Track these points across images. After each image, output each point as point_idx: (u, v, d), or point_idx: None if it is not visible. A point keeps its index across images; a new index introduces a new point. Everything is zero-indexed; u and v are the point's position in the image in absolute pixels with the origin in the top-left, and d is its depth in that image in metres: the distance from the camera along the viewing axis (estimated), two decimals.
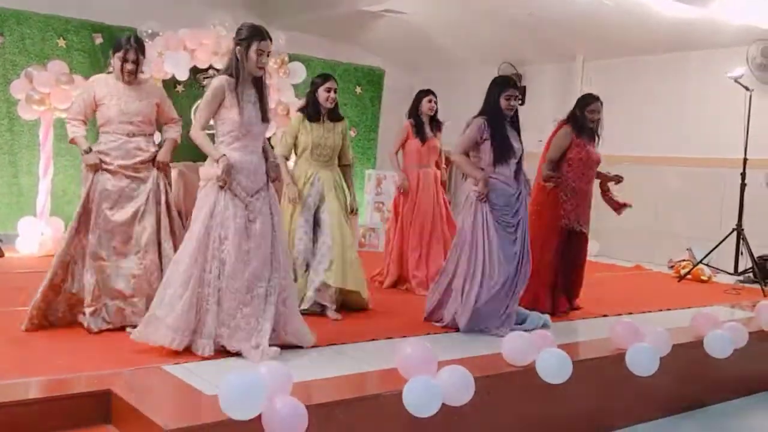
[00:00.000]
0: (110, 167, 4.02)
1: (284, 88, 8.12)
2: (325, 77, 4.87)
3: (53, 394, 2.85)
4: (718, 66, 7.47)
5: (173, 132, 4.31)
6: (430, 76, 9.24)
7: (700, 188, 7.92)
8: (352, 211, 5.00)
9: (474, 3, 7.79)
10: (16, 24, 7.04)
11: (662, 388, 4.03)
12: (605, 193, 5.51)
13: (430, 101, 5.87)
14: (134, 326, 3.71)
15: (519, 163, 4.45)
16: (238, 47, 3.59)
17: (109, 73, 4.22)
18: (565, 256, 5.13)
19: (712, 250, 6.99)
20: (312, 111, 4.81)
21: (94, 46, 7.40)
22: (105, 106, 4.06)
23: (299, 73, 8.32)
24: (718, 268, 7.20)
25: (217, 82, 3.61)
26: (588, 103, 5.15)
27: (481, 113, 4.44)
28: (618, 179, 5.49)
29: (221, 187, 3.51)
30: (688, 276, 6.95)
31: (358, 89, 9.51)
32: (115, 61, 4.09)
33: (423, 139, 5.87)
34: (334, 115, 4.92)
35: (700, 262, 7.01)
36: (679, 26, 7.40)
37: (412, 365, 3.11)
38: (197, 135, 3.62)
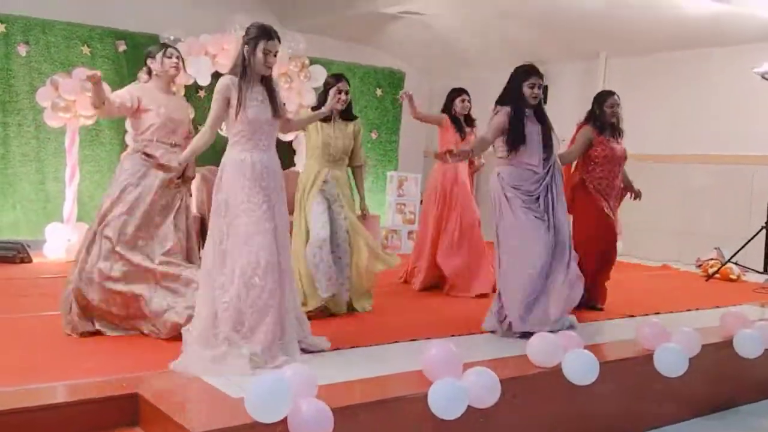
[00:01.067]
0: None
1: (305, 92, 8.16)
2: (337, 78, 4.88)
3: (81, 398, 2.87)
4: (744, 62, 7.35)
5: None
6: (450, 77, 9.22)
7: (728, 186, 7.80)
8: (364, 215, 5.03)
9: (492, 2, 7.75)
10: (41, 33, 7.15)
11: (691, 389, 3.97)
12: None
13: (463, 101, 5.84)
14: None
15: (548, 153, 4.27)
16: (246, 47, 3.57)
17: (145, 82, 4.21)
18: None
19: (740, 249, 6.88)
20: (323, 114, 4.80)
21: (118, 53, 7.50)
22: (153, 112, 4.00)
23: (320, 76, 8.34)
24: (747, 267, 7.08)
25: (223, 81, 3.61)
26: (605, 98, 5.13)
27: (501, 102, 4.30)
28: (638, 195, 5.48)
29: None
30: (717, 275, 6.85)
31: (379, 91, 9.52)
32: (161, 59, 4.06)
33: (462, 134, 5.88)
34: (347, 115, 4.90)
35: (729, 260, 6.90)
36: (702, 22, 7.30)
37: (437, 367, 3.10)
38: (201, 135, 3.64)
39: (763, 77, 6.77)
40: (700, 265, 7.42)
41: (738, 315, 4.43)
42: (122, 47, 7.55)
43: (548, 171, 4.26)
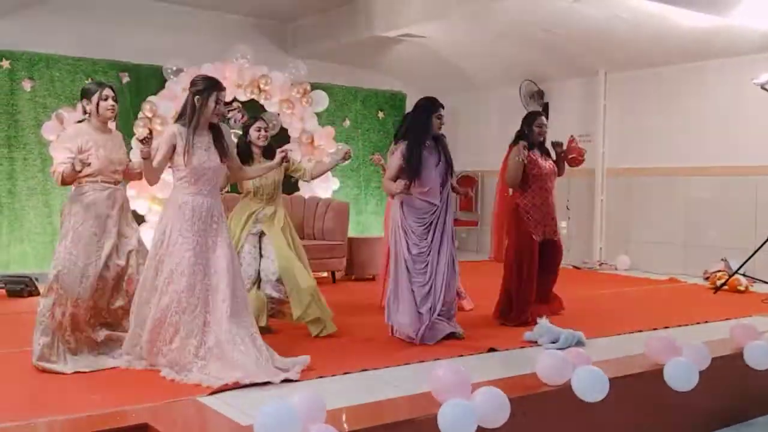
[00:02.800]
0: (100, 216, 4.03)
1: (307, 117, 8.22)
2: (255, 118, 5.06)
3: (90, 431, 2.86)
4: (743, 73, 7.39)
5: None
6: (452, 97, 9.30)
7: (732, 197, 7.80)
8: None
9: (491, 23, 7.82)
10: (45, 68, 7.25)
11: (702, 403, 3.95)
12: (564, 158, 5.59)
13: None
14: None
15: (444, 179, 4.69)
16: (197, 97, 3.83)
17: (80, 122, 4.18)
18: (542, 266, 5.41)
19: (747, 260, 6.86)
20: (245, 154, 4.81)
21: (121, 84, 7.59)
22: (92, 156, 3.98)
23: (322, 101, 8.42)
24: (754, 278, 7.06)
25: (170, 129, 3.88)
26: (533, 119, 5.45)
27: (406, 134, 4.72)
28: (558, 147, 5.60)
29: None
30: (725, 287, 6.82)
31: (381, 114, 9.59)
32: (98, 101, 4.04)
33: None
34: (269, 153, 4.88)
35: (736, 272, 6.88)
36: (698, 35, 7.34)
37: (445, 388, 3.08)
38: (147, 166, 3.89)
39: (763, 88, 6.79)
40: (707, 278, 7.40)
41: (747, 326, 4.40)
42: (126, 79, 7.65)
43: (443, 201, 4.67)
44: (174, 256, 3.78)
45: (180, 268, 3.76)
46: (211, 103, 3.83)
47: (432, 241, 4.62)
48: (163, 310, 3.76)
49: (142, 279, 3.92)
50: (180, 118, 3.90)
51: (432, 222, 4.64)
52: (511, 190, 5.44)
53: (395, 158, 4.68)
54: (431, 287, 4.59)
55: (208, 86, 3.85)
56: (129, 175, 4.27)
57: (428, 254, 4.61)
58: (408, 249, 4.62)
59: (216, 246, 3.85)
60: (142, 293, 3.88)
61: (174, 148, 3.82)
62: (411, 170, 4.58)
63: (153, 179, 3.96)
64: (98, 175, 4.03)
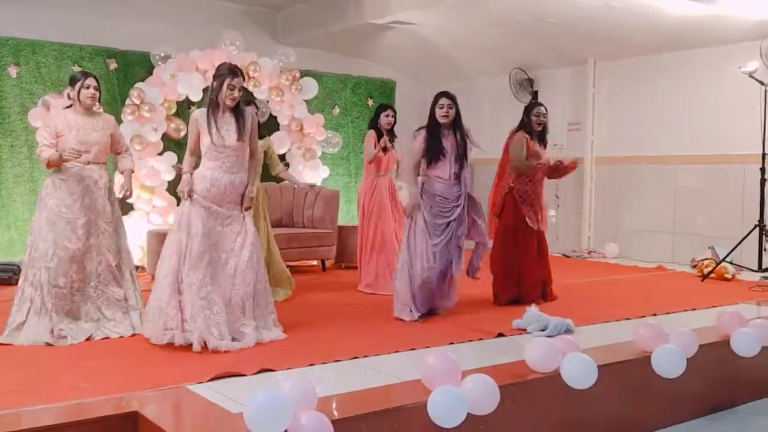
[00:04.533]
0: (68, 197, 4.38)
1: (296, 104, 8.19)
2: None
3: (80, 418, 2.86)
4: (731, 62, 7.41)
5: (128, 162, 4.74)
6: (441, 85, 9.28)
7: (720, 186, 7.84)
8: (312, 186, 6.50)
9: (482, 11, 7.79)
10: (31, 53, 7.17)
11: (690, 390, 3.98)
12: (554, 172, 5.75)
13: (387, 116, 6.40)
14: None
15: (460, 166, 5.00)
16: (215, 82, 4.25)
17: (67, 107, 4.53)
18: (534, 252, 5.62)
19: (734, 248, 6.91)
20: None
21: (109, 71, 7.52)
22: (64, 138, 4.40)
23: (311, 88, 8.39)
24: (741, 266, 7.11)
25: (192, 115, 4.33)
26: (532, 109, 5.62)
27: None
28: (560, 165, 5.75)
29: (188, 197, 4.25)
30: (712, 275, 6.87)
31: (370, 101, 9.56)
32: (80, 89, 4.42)
33: (385, 149, 6.37)
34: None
35: (723, 260, 6.93)
36: (688, 24, 7.35)
37: (435, 375, 3.10)
38: (185, 160, 4.39)
39: (751, 76, 6.82)
40: (695, 266, 7.45)
41: (734, 314, 4.43)
42: (113, 65, 7.58)
43: (460, 182, 5.02)
44: (193, 219, 4.20)
45: (194, 230, 4.16)
46: (225, 88, 4.21)
47: (448, 229, 5.01)
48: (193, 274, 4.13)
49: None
50: (205, 102, 4.35)
51: (451, 208, 4.99)
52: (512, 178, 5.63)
53: (418, 143, 5.01)
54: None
55: (222, 73, 4.24)
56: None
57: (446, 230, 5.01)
58: (425, 221, 4.95)
59: (233, 221, 4.28)
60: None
61: (198, 130, 4.27)
62: (430, 154, 4.96)
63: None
64: (70, 153, 4.35)
